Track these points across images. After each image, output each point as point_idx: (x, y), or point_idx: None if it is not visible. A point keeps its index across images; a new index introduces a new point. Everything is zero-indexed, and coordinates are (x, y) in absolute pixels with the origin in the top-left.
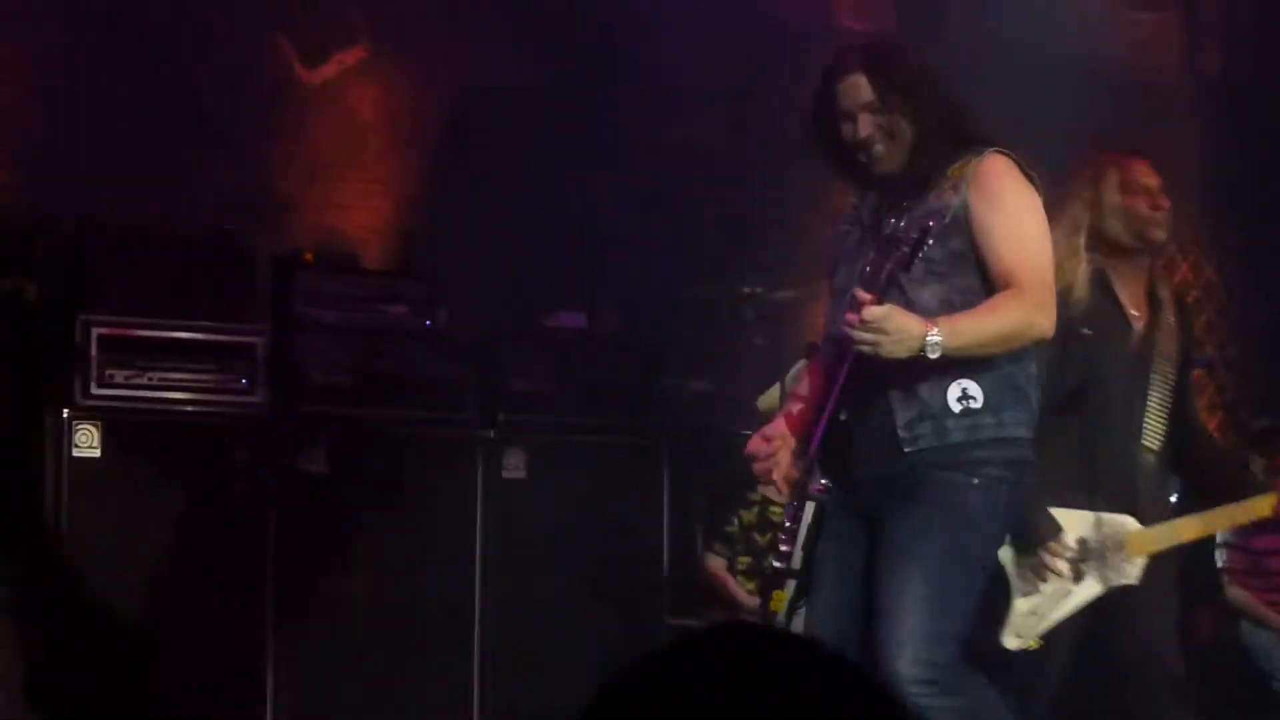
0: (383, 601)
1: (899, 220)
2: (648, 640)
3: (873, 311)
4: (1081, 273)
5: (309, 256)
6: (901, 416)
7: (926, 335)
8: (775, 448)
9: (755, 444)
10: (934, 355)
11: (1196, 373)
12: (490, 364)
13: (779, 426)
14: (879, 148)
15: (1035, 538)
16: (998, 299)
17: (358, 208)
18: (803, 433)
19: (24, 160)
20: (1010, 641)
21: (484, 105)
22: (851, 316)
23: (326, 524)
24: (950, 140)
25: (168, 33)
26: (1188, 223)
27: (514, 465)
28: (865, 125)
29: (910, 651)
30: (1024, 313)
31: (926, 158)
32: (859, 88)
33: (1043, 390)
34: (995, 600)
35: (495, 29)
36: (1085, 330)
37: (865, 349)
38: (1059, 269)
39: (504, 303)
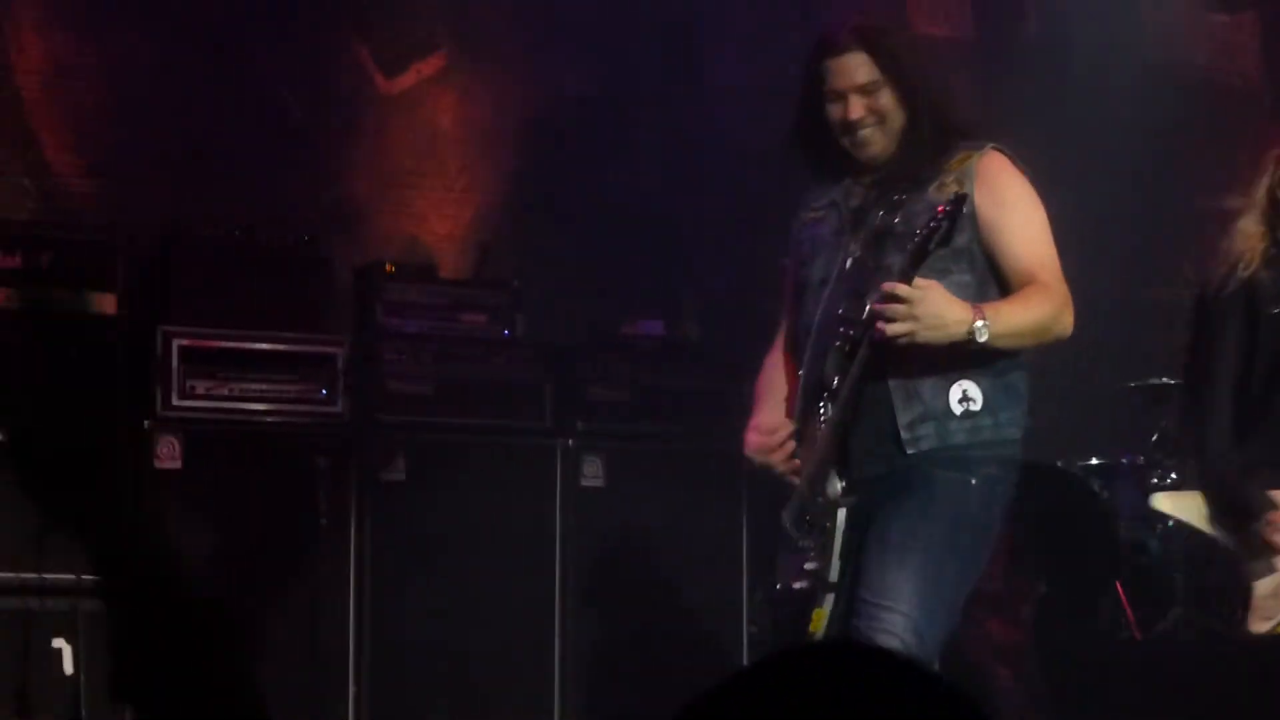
0: (463, 608)
1: (892, 213)
2: (728, 648)
3: (905, 290)
4: (1262, 253)
5: (390, 268)
6: (903, 417)
7: (973, 321)
8: (782, 438)
9: (757, 441)
10: (982, 339)
11: None
12: (569, 372)
13: (773, 418)
14: (867, 131)
15: (1252, 516)
16: (1028, 293)
17: (435, 217)
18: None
19: (105, 172)
20: (1259, 626)
21: (561, 113)
22: (878, 305)
23: (406, 532)
24: (941, 130)
25: (248, 43)
26: None
27: (593, 473)
28: (856, 107)
29: (896, 647)
30: (1055, 307)
31: (915, 146)
32: (855, 67)
33: (1238, 373)
34: (1228, 588)
35: (572, 37)
36: (1275, 310)
37: (898, 334)
38: (1242, 253)
39: (582, 311)
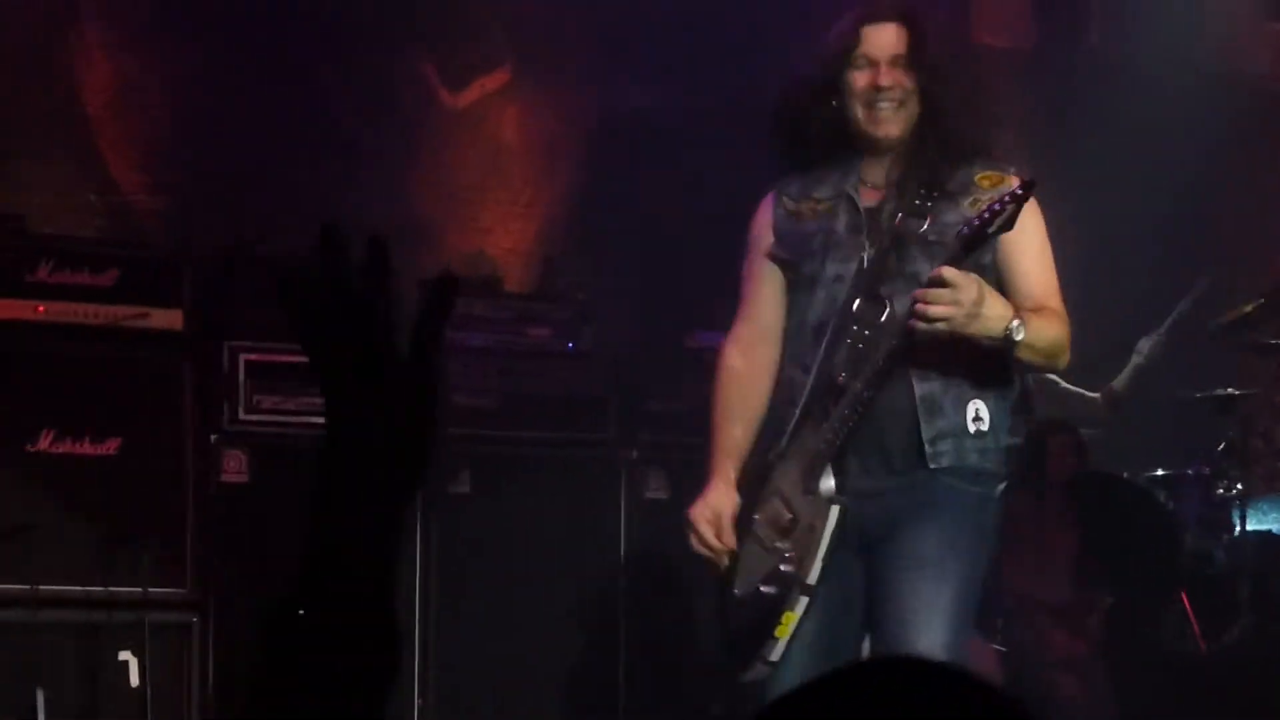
0: (527, 619)
1: (917, 219)
2: None
3: (952, 274)
4: None
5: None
6: (928, 430)
7: (1012, 319)
8: (725, 537)
9: (702, 535)
10: (1018, 338)
11: None
12: (632, 385)
13: (723, 498)
14: (889, 106)
15: None
16: (1047, 314)
17: (500, 230)
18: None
19: (171, 187)
20: None
21: (624, 126)
22: (920, 291)
23: (471, 544)
24: (951, 135)
25: (312, 60)
26: None
27: (656, 485)
28: (887, 75)
29: None
30: (1065, 333)
31: (923, 146)
32: (894, 37)
33: None
34: None
35: (635, 50)
36: None
37: (938, 317)
38: None
39: (645, 323)
